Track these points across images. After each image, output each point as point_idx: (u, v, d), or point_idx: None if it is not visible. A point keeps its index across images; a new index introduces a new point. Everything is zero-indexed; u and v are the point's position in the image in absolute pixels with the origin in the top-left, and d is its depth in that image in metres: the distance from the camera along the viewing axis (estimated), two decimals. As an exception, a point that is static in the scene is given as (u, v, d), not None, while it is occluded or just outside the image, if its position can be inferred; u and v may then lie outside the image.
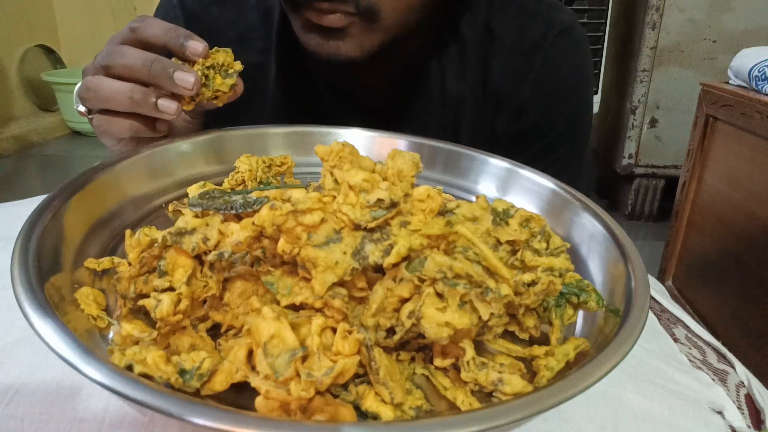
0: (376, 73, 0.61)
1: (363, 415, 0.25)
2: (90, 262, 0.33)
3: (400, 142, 0.52)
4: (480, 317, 0.27)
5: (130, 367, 0.24)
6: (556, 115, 0.65)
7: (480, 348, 0.29)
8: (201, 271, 0.29)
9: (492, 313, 0.26)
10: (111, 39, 0.46)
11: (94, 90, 0.44)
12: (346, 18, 0.50)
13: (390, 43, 0.54)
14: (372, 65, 0.55)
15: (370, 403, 0.25)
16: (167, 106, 0.44)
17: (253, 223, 0.28)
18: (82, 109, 0.46)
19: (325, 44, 0.52)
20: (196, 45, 0.45)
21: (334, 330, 0.26)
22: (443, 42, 0.64)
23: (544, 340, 0.30)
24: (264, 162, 0.45)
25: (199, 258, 0.30)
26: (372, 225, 0.27)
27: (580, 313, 0.33)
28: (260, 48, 0.64)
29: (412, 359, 0.29)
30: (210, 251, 0.29)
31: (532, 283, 0.28)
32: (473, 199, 0.35)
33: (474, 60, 0.64)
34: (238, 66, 0.47)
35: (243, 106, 0.53)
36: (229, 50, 0.47)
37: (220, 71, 0.46)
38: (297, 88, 0.66)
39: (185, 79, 0.43)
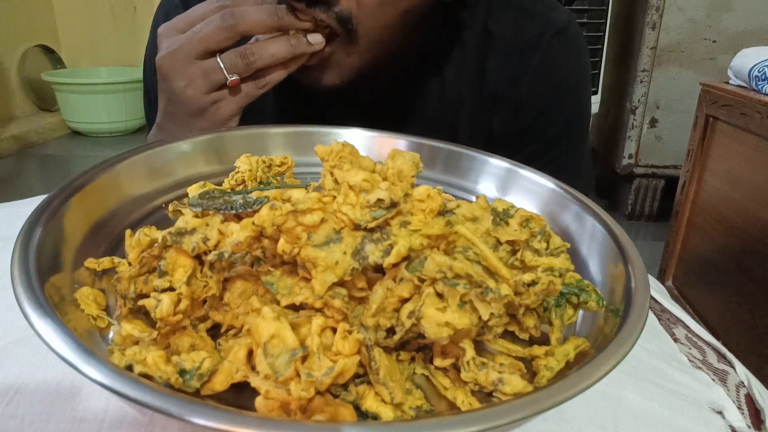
0: (372, 90, 0.63)
1: (363, 415, 0.25)
2: (90, 262, 0.33)
3: (400, 142, 0.52)
4: (480, 317, 0.27)
5: (130, 367, 0.24)
6: (553, 113, 0.65)
7: (480, 348, 0.29)
8: (201, 271, 0.29)
9: (492, 313, 0.26)
10: (191, 13, 0.51)
11: (258, 52, 0.50)
12: (327, 47, 0.53)
13: (371, 67, 0.56)
14: (365, 86, 0.57)
15: (370, 403, 0.25)
16: (315, 38, 0.51)
17: (253, 223, 0.28)
18: (236, 78, 0.51)
19: (305, 75, 0.55)
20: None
21: (334, 330, 0.26)
22: (443, 43, 0.64)
23: (544, 340, 0.30)
24: (264, 162, 0.45)
25: (199, 258, 0.30)
26: (372, 225, 0.27)
27: (580, 313, 0.33)
28: None
29: (412, 359, 0.29)
30: (210, 251, 0.29)
31: (532, 283, 0.28)
32: (473, 199, 0.35)
33: (472, 60, 0.64)
34: None
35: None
36: None
37: None
38: (297, 87, 0.66)
39: (316, 39, 0.51)
